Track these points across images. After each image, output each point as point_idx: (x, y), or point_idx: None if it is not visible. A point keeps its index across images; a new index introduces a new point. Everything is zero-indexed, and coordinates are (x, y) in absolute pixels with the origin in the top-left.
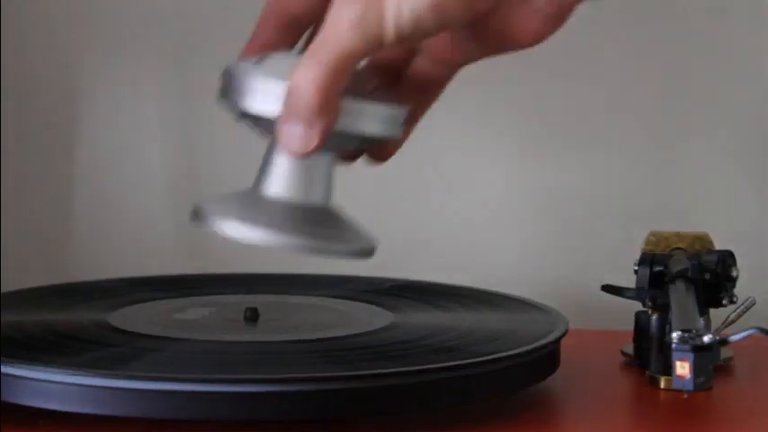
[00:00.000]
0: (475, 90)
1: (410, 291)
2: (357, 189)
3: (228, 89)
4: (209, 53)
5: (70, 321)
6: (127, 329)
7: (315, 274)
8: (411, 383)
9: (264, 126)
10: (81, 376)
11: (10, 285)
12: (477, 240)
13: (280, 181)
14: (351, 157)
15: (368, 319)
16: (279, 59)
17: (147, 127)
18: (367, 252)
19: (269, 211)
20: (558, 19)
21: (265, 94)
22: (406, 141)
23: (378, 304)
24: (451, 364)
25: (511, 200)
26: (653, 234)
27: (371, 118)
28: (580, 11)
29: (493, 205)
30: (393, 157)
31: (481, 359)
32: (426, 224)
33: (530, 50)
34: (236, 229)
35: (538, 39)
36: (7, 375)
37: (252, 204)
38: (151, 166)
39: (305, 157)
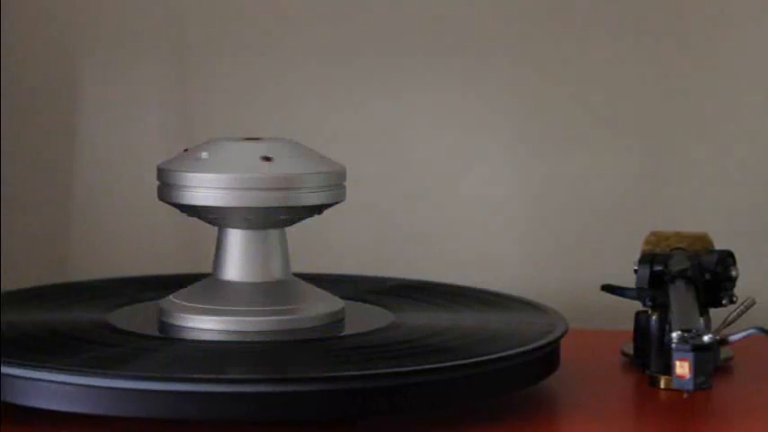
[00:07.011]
0: (476, 91)
1: (410, 291)
2: (358, 189)
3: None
4: (209, 53)
5: (70, 321)
6: (127, 329)
7: (315, 273)
8: (411, 383)
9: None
10: (81, 376)
11: (10, 285)
12: (477, 240)
13: (237, 265)
14: None
15: (368, 319)
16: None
17: (147, 127)
18: (335, 315)
19: (232, 295)
20: None
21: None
22: (406, 142)
23: (378, 304)
24: (452, 364)
25: (511, 200)
26: (653, 234)
27: (314, 188)
28: (579, 11)
29: (493, 205)
30: (392, 158)
31: (481, 359)
32: (426, 224)
33: (531, 50)
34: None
35: None
36: (7, 375)
37: (214, 292)
38: (151, 166)
39: None
